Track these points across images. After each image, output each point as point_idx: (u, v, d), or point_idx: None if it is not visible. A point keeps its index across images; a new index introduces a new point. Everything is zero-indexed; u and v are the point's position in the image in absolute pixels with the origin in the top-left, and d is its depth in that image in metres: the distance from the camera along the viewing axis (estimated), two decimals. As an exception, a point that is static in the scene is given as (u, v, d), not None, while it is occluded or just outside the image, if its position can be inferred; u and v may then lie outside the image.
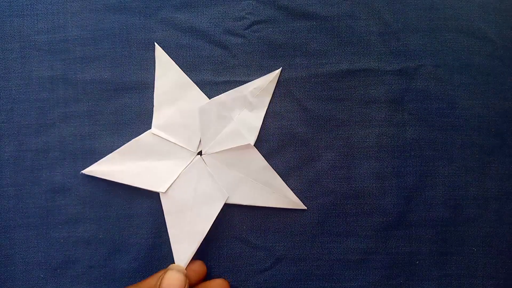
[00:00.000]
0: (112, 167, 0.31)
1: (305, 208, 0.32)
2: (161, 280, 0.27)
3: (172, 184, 0.31)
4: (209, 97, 0.32)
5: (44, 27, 0.33)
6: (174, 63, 0.32)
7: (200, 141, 0.31)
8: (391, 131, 0.32)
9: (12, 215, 0.32)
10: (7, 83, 0.33)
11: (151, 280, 0.28)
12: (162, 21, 0.33)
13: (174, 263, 0.30)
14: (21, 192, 0.32)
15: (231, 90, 0.32)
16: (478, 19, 0.33)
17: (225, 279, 0.31)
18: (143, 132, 0.32)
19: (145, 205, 0.32)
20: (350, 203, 0.32)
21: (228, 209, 0.32)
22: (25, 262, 0.32)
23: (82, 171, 0.31)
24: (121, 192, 0.32)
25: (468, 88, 0.32)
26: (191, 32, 0.33)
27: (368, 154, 0.32)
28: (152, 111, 0.32)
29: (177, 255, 0.30)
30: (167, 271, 0.28)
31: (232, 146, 0.31)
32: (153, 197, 0.32)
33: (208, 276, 0.32)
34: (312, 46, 0.33)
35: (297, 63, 0.33)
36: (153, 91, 0.32)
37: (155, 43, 0.32)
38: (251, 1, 0.33)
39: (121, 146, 0.32)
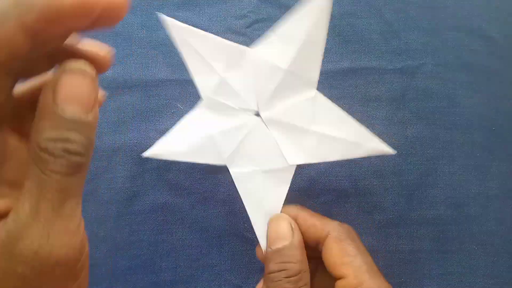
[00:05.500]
0: (172, 148, 0.28)
1: (394, 152, 0.25)
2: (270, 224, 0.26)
3: (233, 153, 0.27)
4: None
5: (46, 25, 0.33)
6: (191, 27, 0.26)
7: (256, 100, 0.27)
8: (392, 130, 0.32)
9: (13, 213, 0.32)
10: (9, 81, 0.33)
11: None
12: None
13: (177, 257, 0.30)
14: (22, 189, 0.32)
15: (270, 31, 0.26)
16: (479, 17, 0.33)
17: None
18: (144, 130, 0.32)
19: (147, 202, 0.32)
20: (351, 201, 0.32)
21: (228, 208, 0.32)
22: (26, 260, 0.32)
23: (142, 154, 0.28)
24: (121, 190, 0.32)
25: (469, 86, 0.32)
26: (192, 30, 0.33)
27: (369, 153, 0.32)
28: (153, 110, 0.32)
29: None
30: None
31: (294, 98, 0.26)
32: (154, 194, 0.32)
33: (210, 272, 0.32)
34: (313, 44, 0.33)
35: (298, 61, 0.33)
36: (154, 89, 0.32)
37: (158, 13, 0.27)
38: (252, 0, 0.33)
39: (122, 144, 0.32)
